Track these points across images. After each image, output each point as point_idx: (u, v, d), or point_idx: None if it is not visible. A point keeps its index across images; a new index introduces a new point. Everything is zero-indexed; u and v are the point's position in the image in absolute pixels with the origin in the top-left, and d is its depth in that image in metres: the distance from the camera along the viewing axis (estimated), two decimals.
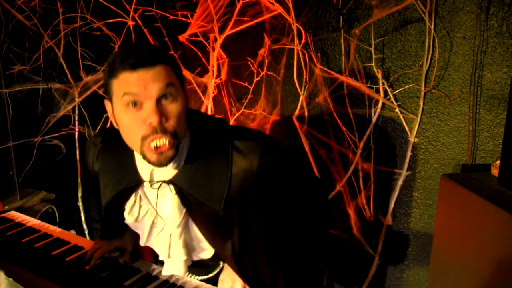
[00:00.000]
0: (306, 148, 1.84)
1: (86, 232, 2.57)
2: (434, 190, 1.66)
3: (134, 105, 0.92)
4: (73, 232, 2.41)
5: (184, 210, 1.06)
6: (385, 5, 1.57)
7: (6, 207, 2.31)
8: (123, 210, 1.15)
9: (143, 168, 1.06)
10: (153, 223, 1.11)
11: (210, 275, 1.23)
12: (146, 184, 1.07)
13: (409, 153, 1.66)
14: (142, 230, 1.14)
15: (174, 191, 1.04)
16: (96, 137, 1.21)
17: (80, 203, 2.48)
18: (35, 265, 1.18)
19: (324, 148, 1.82)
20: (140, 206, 1.11)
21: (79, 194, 2.46)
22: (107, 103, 1.02)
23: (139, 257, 1.30)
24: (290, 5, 1.74)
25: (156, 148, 0.92)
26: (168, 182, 1.04)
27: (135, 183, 1.07)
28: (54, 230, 1.40)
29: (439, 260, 1.47)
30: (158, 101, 0.92)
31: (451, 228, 1.39)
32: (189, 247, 1.11)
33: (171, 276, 1.20)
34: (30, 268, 1.15)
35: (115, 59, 0.93)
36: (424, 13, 1.51)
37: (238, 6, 1.84)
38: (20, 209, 2.32)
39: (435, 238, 1.50)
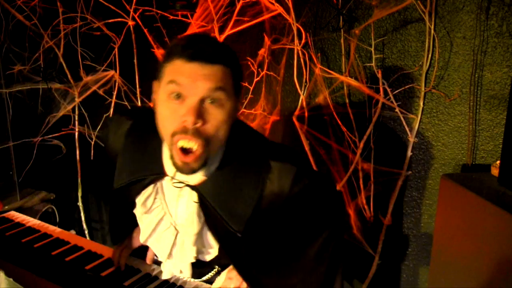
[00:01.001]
0: (306, 148, 1.84)
1: (86, 232, 2.57)
2: (434, 190, 1.66)
3: (177, 97, 0.86)
4: (73, 232, 2.41)
5: (202, 219, 1.01)
6: (385, 5, 1.57)
7: (6, 207, 2.31)
8: (133, 199, 1.08)
9: (169, 163, 0.98)
10: (161, 219, 1.06)
11: (204, 278, 1.20)
12: (167, 179, 1.02)
13: (409, 153, 1.66)
14: (147, 225, 1.08)
15: (196, 199, 0.99)
16: (124, 116, 1.12)
17: (80, 203, 2.48)
18: (35, 265, 1.18)
19: (324, 148, 1.81)
20: (155, 199, 1.05)
21: (79, 194, 2.46)
22: (155, 83, 0.96)
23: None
24: (290, 5, 1.74)
25: (183, 150, 0.87)
26: (192, 187, 0.98)
27: (158, 175, 1.01)
28: (54, 230, 1.40)
29: (439, 260, 1.47)
30: (202, 102, 0.86)
31: (451, 228, 1.39)
32: (198, 252, 1.07)
33: (171, 276, 1.20)
34: (30, 268, 1.15)
35: (177, 44, 0.88)
36: (424, 13, 1.51)
37: (238, 6, 1.84)
38: (20, 209, 2.32)
39: (435, 238, 1.50)
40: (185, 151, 0.87)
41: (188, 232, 1.03)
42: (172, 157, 0.90)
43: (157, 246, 1.11)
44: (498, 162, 1.34)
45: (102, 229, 2.69)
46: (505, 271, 1.15)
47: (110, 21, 2.11)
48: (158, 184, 1.05)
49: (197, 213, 1.00)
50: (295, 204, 1.01)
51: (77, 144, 2.39)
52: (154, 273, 1.21)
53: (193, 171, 0.90)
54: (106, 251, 1.28)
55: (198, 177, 0.98)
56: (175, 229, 1.07)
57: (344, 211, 1.20)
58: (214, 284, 1.15)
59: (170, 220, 1.06)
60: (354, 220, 1.78)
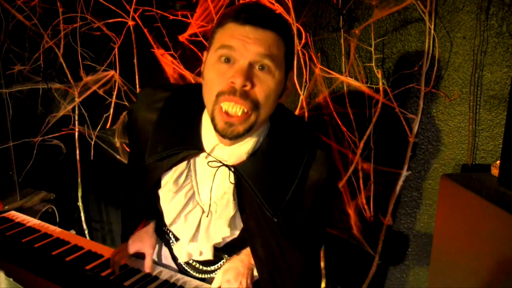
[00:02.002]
0: None
1: (86, 232, 2.57)
2: (434, 190, 1.66)
3: (227, 61, 0.85)
4: (73, 232, 2.41)
5: (236, 200, 0.98)
6: (385, 5, 1.57)
7: (6, 207, 2.31)
8: (159, 177, 1.03)
9: (208, 138, 0.96)
10: (189, 198, 1.02)
11: (213, 267, 1.19)
12: (202, 156, 0.98)
13: (409, 153, 1.66)
14: (175, 205, 1.03)
15: (232, 179, 0.96)
16: (158, 89, 1.06)
17: (80, 203, 2.48)
18: (35, 265, 1.18)
19: None
20: (186, 176, 1.01)
21: (79, 194, 2.46)
22: (204, 54, 0.94)
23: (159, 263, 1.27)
24: (290, 5, 1.74)
25: (227, 113, 0.84)
26: (230, 167, 0.95)
27: (195, 149, 0.97)
28: (54, 230, 1.40)
29: (439, 260, 1.47)
30: (251, 66, 0.84)
31: (451, 228, 1.39)
32: (230, 233, 1.03)
33: (171, 276, 1.20)
34: (30, 268, 1.15)
35: (230, 11, 0.87)
36: (424, 13, 1.51)
37: None
38: (20, 209, 2.32)
39: (435, 238, 1.50)
40: (229, 116, 0.85)
41: (223, 215, 0.99)
42: (213, 120, 0.87)
43: (182, 228, 1.06)
44: (498, 162, 1.34)
45: (102, 229, 2.69)
46: (505, 271, 1.15)
47: (110, 21, 2.11)
48: (192, 161, 1.01)
49: (232, 193, 0.98)
50: (327, 195, 1.02)
51: (77, 144, 2.39)
52: (154, 273, 1.21)
53: (237, 135, 0.87)
54: (106, 251, 1.28)
55: (235, 156, 0.95)
56: (202, 210, 1.03)
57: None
58: (212, 284, 1.15)
59: (197, 200, 1.03)
60: (354, 220, 1.78)
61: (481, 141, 1.54)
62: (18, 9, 2.22)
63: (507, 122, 1.24)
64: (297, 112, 1.84)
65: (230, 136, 0.87)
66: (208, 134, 0.96)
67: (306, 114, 1.83)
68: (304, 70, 1.79)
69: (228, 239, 1.07)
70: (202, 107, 0.96)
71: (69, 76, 2.29)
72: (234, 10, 0.86)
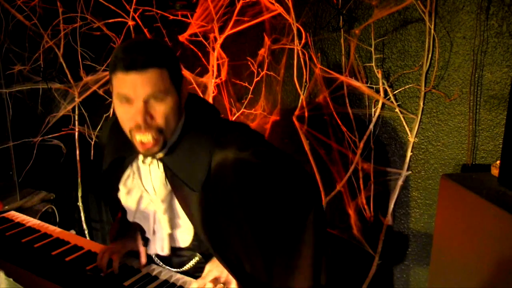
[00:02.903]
0: (306, 148, 1.84)
1: (86, 232, 2.57)
2: (434, 190, 1.66)
3: (127, 100, 1.00)
4: (73, 232, 2.41)
5: (168, 187, 1.13)
6: (385, 5, 1.57)
7: (6, 207, 2.31)
8: (117, 184, 1.22)
9: None
10: (140, 197, 1.19)
11: (185, 267, 1.25)
12: (140, 159, 1.17)
13: (409, 153, 1.66)
14: (130, 205, 1.22)
15: (161, 168, 1.13)
16: (112, 116, 1.32)
17: (80, 203, 2.48)
18: (35, 265, 1.19)
19: (324, 148, 1.81)
20: (133, 179, 1.20)
21: (79, 194, 2.46)
22: (109, 86, 1.10)
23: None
24: (290, 5, 1.74)
25: (142, 143, 1.03)
26: (158, 159, 1.13)
27: (132, 154, 1.16)
28: (54, 230, 1.40)
29: (439, 260, 1.47)
30: (146, 102, 1.00)
31: (451, 228, 1.39)
32: (172, 224, 1.17)
33: (171, 276, 1.20)
34: (30, 268, 1.16)
35: (115, 56, 1.01)
36: (424, 13, 1.51)
37: (238, 6, 1.84)
38: (20, 209, 2.32)
39: (435, 238, 1.50)
40: (144, 144, 1.03)
41: (157, 200, 1.15)
42: (134, 147, 1.06)
43: (142, 222, 1.23)
44: (498, 162, 1.34)
45: (102, 229, 2.68)
46: (505, 271, 1.15)
47: (110, 21, 2.11)
48: (134, 165, 1.19)
49: (163, 182, 1.14)
50: (248, 174, 1.11)
51: (77, 144, 2.39)
52: (154, 273, 1.21)
53: (154, 154, 1.07)
54: None
55: (162, 151, 1.11)
56: (154, 205, 1.18)
57: (316, 193, 1.23)
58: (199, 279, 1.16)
59: (148, 198, 1.18)
60: (354, 220, 1.78)
61: (481, 141, 1.54)
62: (18, 9, 2.22)
63: (507, 122, 1.24)
64: (297, 112, 1.84)
65: (151, 155, 1.09)
66: None
67: (306, 114, 1.83)
68: (304, 70, 1.79)
69: (182, 235, 1.18)
70: None
71: (69, 76, 2.29)
72: (117, 59, 0.99)
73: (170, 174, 1.11)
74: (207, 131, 1.13)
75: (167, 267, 1.28)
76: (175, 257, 1.25)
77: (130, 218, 1.23)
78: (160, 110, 1.02)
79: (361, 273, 1.85)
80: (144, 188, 1.18)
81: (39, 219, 1.91)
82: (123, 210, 1.28)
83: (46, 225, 1.44)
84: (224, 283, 1.12)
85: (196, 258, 1.23)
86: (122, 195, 1.22)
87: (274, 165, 1.15)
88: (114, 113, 1.29)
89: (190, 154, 1.11)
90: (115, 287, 1.13)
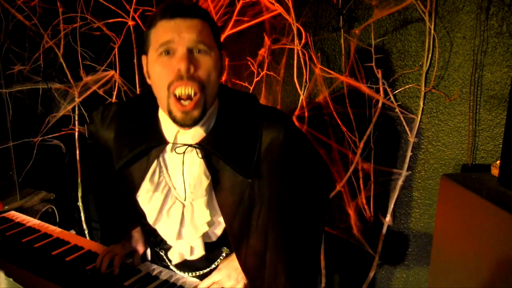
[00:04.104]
0: None
1: (86, 232, 2.57)
2: (434, 190, 1.66)
3: (167, 53, 0.94)
4: (73, 232, 2.41)
5: (209, 178, 1.02)
6: (385, 5, 1.57)
7: (6, 207, 2.31)
8: (138, 181, 1.07)
9: (169, 129, 1.03)
10: (166, 195, 1.07)
11: (214, 265, 1.19)
12: (168, 150, 1.04)
13: (409, 153, 1.66)
14: (154, 204, 1.08)
15: (200, 155, 1.01)
16: (105, 106, 1.17)
17: (80, 203, 2.48)
18: (35, 265, 1.18)
19: (324, 148, 1.81)
20: (160, 173, 1.06)
21: (79, 194, 2.46)
22: (143, 58, 1.05)
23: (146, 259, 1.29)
24: (290, 5, 1.74)
25: (182, 104, 0.92)
26: (195, 145, 1.01)
27: (158, 143, 1.03)
28: (54, 230, 1.40)
29: (439, 260, 1.47)
30: (190, 51, 0.93)
31: (451, 228, 1.39)
32: (211, 215, 1.06)
33: (171, 276, 1.20)
34: (30, 268, 1.15)
35: (156, 13, 0.96)
36: (424, 13, 1.51)
37: (238, 6, 1.84)
38: (20, 209, 2.32)
39: (435, 238, 1.50)
40: (183, 106, 0.93)
41: (198, 193, 1.03)
42: (171, 114, 0.95)
43: (165, 226, 1.10)
44: (498, 162, 1.34)
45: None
46: (505, 271, 1.15)
47: (110, 21, 2.11)
48: (161, 158, 1.06)
49: (204, 172, 1.03)
50: (295, 153, 1.06)
51: (77, 144, 2.39)
52: (154, 273, 1.21)
53: (194, 120, 0.95)
54: None
55: (198, 135, 1.02)
56: (182, 203, 1.07)
57: (330, 188, 1.24)
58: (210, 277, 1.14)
59: (175, 195, 1.07)
60: (354, 220, 1.78)
61: (481, 141, 1.54)
62: (18, 9, 2.22)
63: (507, 122, 1.24)
64: (297, 112, 1.84)
65: (189, 123, 0.95)
66: (167, 125, 1.03)
67: (306, 114, 1.83)
68: (304, 70, 1.79)
69: (217, 231, 1.09)
70: (154, 107, 1.06)
71: (69, 76, 2.29)
72: (160, 9, 0.95)
73: (211, 162, 1.01)
74: (249, 109, 1.05)
75: (184, 274, 1.19)
76: (192, 263, 1.18)
77: (151, 221, 1.10)
78: (205, 63, 0.94)
79: (361, 273, 1.85)
80: (173, 185, 1.06)
81: (39, 219, 1.91)
82: (137, 215, 1.18)
83: (46, 225, 1.43)
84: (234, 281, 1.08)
85: (224, 254, 1.17)
86: (144, 195, 1.08)
87: (312, 148, 1.16)
88: (115, 103, 1.17)
89: (234, 134, 1.01)
90: (115, 287, 1.13)
